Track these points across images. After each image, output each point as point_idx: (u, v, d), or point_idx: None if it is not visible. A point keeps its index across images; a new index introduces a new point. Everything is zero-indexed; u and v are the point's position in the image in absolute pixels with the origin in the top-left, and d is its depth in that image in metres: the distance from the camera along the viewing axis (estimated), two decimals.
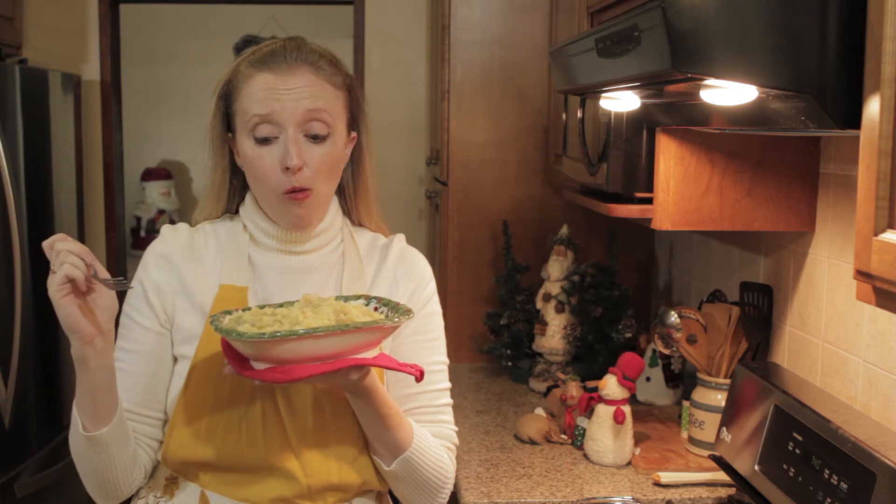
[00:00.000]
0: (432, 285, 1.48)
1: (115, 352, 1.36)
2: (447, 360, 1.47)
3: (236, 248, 1.41)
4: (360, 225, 1.51)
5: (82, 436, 1.26)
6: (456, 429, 1.47)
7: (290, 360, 1.18)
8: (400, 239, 1.51)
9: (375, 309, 1.30)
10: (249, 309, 1.27)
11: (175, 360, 1.37)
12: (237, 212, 1.46)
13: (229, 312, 1.25)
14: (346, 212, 1.50)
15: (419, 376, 1.25)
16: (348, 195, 1.49)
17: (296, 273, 1.41)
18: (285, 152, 1.31)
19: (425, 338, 1.44)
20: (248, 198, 1.44)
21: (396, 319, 1.22)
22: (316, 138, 1.34)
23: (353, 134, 1.44)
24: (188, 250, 1.40)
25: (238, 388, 1.31)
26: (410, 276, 1.46)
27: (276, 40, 1.39)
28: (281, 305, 1.28)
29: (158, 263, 1.39)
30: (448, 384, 1.47)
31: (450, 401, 1.47)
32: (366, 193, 1.49)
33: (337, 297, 1.30)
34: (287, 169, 1.31)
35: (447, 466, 1.41)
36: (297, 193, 1.33)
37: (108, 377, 1.24)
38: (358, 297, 1.33)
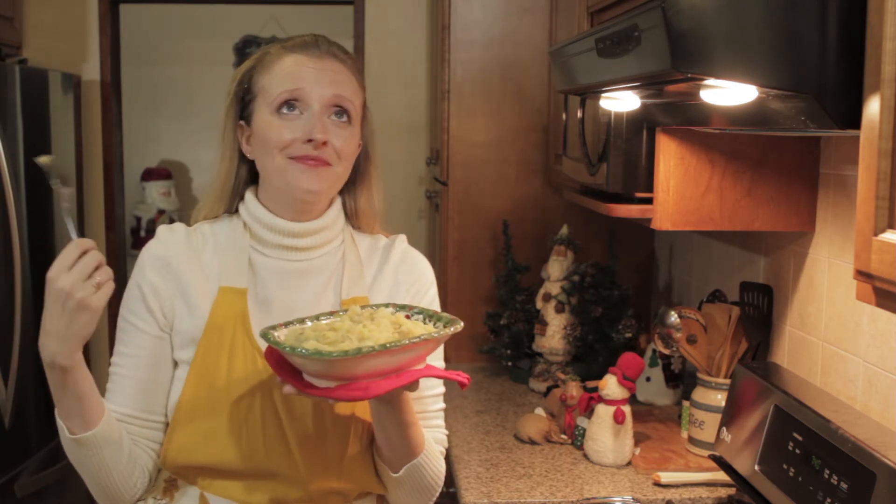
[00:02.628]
0: (434, 289, 1.47)
1: (114, 356, 1.36)
2: (444, 365, 1.47)
3: (236, 248, 1.38)
4: (359, 230, 1.49)
5: (71, 440, 1.25)
6: (447, 433, 1.48)
7: (363, 375, 1.15)
8: (402, 240, 1.50)
9: (407, 317, 1.28)
10: (292, 323, 1.23)
11: (175, 363, 1.35)
12: (237, 211, 1.43)
13: (274, 328, 1.21)
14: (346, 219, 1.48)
15: (466, 382, 1.24)
16: (350, 210, 1.46)
17: (295, 276, 1.39)
18: (311, 126, 1.30)
19: None
20: (247, 194, 1.41)
21: (452, 329, 1.21)
22: (340, 124, 1.34)
23: (360, 142, 1.43)
24: (186, 251, 1.37)
25: (238, 393, 1.30)
26: (412, 279, 1.45)
27: (306, 34, 1.40)
28: (312, 319, 1.24)
29: (155, 266, 1.36)
30: (443, 389, 1.47)
31: (443, 405, 1.47)
32: (370, 208, 1.47)
33: (371, 306, 1.28)
34: (310, 141, 1.30)
35: (443, 471, 1.42)
36: (313, 161, 1.31)
37: (90, 377, 1.23)
38: (387, 306, 1.30)
